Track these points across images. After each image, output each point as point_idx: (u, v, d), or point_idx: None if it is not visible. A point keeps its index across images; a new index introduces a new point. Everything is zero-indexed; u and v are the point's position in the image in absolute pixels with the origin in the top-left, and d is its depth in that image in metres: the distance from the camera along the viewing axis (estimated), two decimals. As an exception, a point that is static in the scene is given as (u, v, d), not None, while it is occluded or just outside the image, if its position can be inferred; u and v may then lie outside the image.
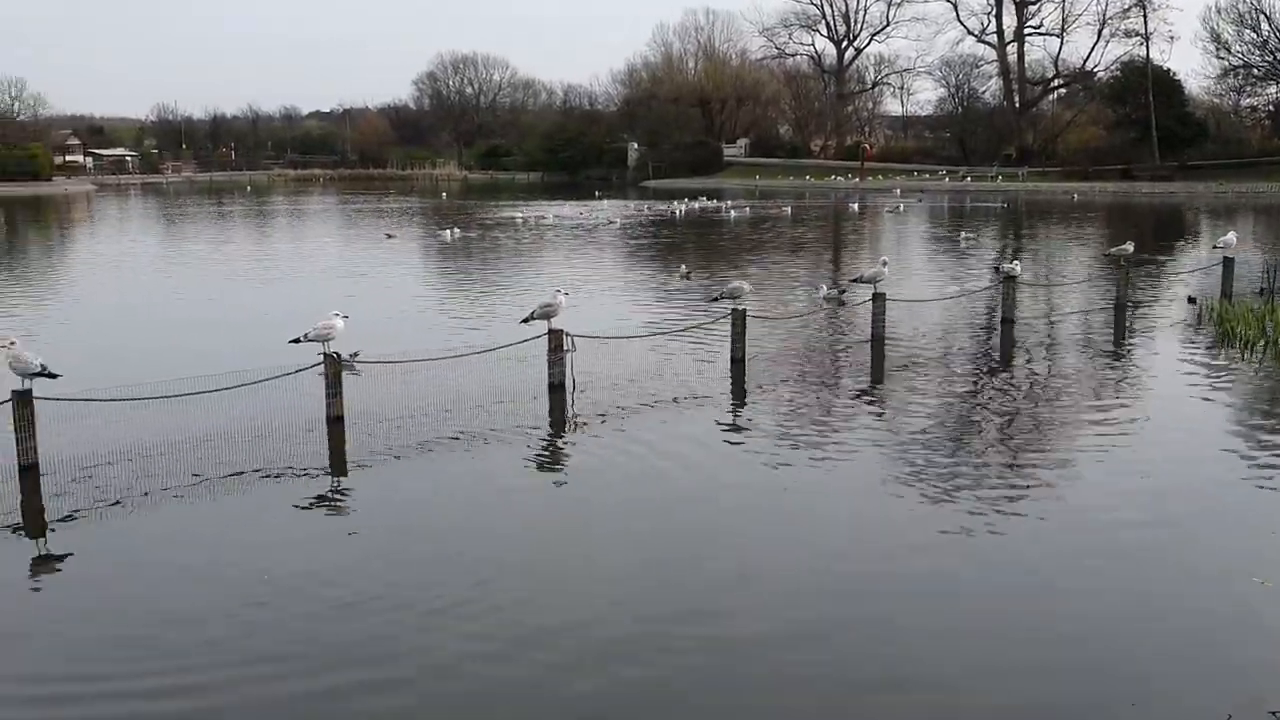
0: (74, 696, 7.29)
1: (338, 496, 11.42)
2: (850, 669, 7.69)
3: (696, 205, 69.18)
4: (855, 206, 66.60)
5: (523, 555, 9.76)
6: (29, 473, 11.42)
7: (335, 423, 13.48)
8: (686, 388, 15.87)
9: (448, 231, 45.32)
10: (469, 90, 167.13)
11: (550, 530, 10.42)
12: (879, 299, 19.13)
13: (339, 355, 13.92)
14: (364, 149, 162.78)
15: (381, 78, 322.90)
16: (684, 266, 31.37)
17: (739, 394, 15.81)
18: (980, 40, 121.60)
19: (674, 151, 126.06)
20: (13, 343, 12.01)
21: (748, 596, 8.82)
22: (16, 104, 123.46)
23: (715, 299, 19.97)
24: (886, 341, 18.98)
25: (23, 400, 11.37)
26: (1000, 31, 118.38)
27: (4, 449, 11.52)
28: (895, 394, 15.89)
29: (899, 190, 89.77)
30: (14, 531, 10.32)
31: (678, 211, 63.89)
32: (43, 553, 9.86)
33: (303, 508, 10.92)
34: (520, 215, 59.72)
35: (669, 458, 12.54)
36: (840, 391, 16.09)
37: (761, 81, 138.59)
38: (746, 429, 13.89)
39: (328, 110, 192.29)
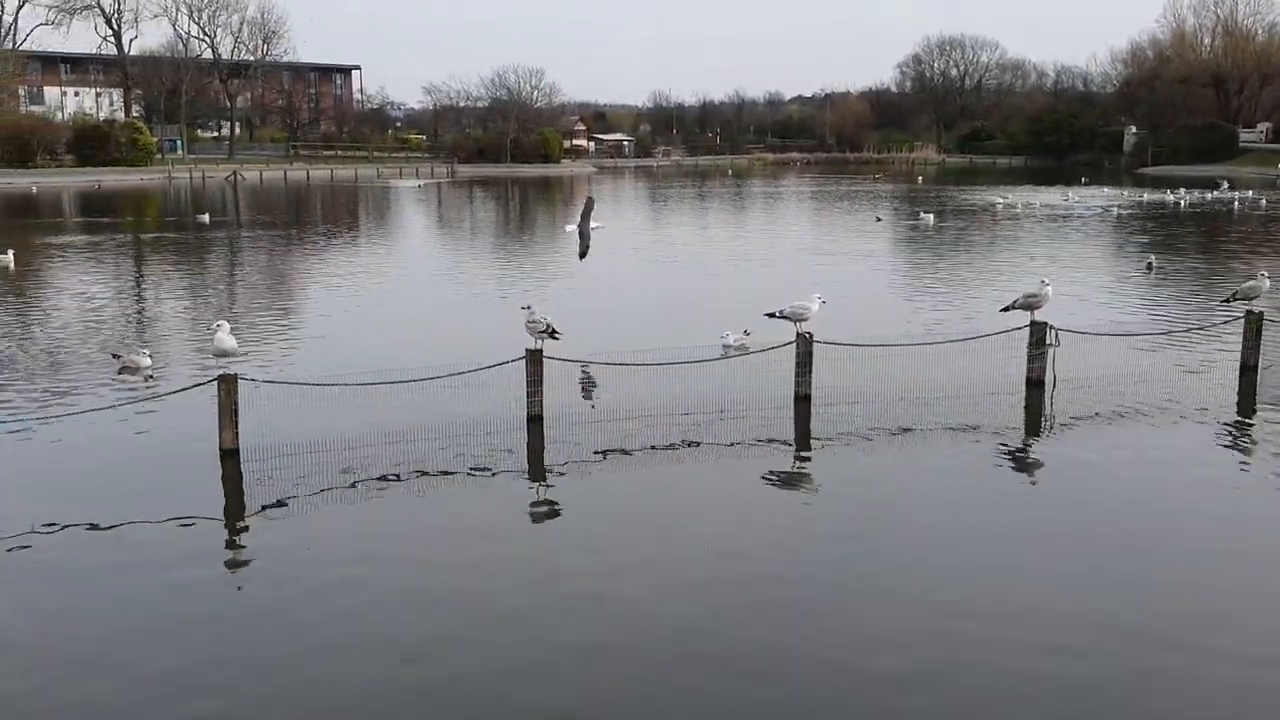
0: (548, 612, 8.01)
1: (801, 472, 11.60)
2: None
3: (1209, 195, 62.25)
4: None
5: (977, 554, 9.33)
6: (534, 424, 12.68)
7: (802, 401, 13.69)
8: (1181, 395, 14.37)
9: (930, 216, 44.95)
10: (953, 72, 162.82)
11: (1009, 535, 9.87)
12: None
13: (812, 335, 14.06)
14: (842, 132, 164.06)
15: (864, 62, 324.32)
16: (1152, 258, 28.88)
17: (1246, 407, 14.06)
18: None
19: (1178, 136, 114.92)
20: (529, 306, 13.43)
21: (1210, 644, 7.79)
22: (535, 92, 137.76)
23: (1229, 299, 17.87)
24: None
25: (534, 357, 12.66)
26: None
27: (519, 402, 12.86)
28: None
29: None
30: (519, 474, 11.53)
31: (1181, 201, 58.09)
32: (540, 497, 10.91)
33: (767, 481, 11.22)
34: (1000, 200, 57.34)
35: (1152, 470, 11.52)
36: (1378, 414, 13.79)
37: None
38: (1251, 449, 12.34)
39: (809, 95, 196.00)
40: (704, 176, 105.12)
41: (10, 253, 29.86)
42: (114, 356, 16.31)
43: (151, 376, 15.35)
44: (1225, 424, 13.26)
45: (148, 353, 16.12)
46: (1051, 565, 9.05)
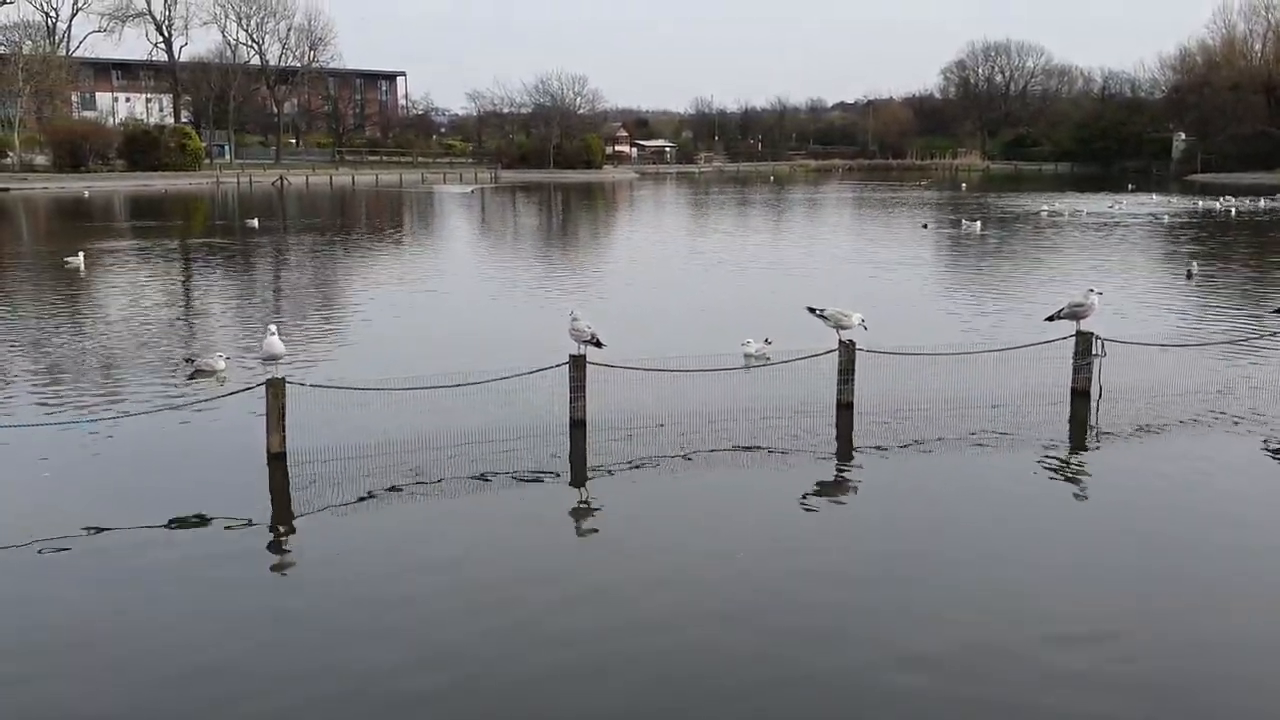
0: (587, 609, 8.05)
1: (842, 482, 11.58)
2: None
3: (1261, 203, 61.21)
4: None
5: (1019, 568, 9.26)
6: (577, 429, 12.75)
7: (845, 409, 13.65)
8: (1229, 406, 14.17)
9: (977, 224, 44.82)
10: (998, 78, 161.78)
11: (1052, 546, 9.78)
12: None
13: (854, 342, 14.01)
14: (884, 139, 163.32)
15: (907, 68, 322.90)
16: (1192, 265, 28.60)
17: (1298, 419, 13.86)
18: None
19: (1228, 143, 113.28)
20: (573, 313, 13.52)
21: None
22: (578, 99, 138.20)
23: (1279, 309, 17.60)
24: None
25: (577, 363, 12.74)
26: None
27: (561, 407, 12.93)
28: None
29: None
30: (561, 479, 11.61)
31: (1230, 209, 57.24)
32: (582, 502, 10.97)
33: (807, 491, 11.19)
34: (1045, 208, 56.83)
35: (1200, 482, 11.39)
36: None
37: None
38: (1306, 461, 12.17)
39: (852, 101, 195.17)
40: (745, 183, 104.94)
41: (80, 255, 30.66)
42: (187, 360, 16.47)
43: (226, 380, 15.32)
44: (1276, 435, 13.06)
45: (223, 356, 16.22)
46: (1096, 580, 8.97)
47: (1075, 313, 14.76)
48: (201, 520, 10.18)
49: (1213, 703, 7.13)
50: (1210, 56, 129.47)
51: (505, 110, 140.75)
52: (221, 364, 15.82)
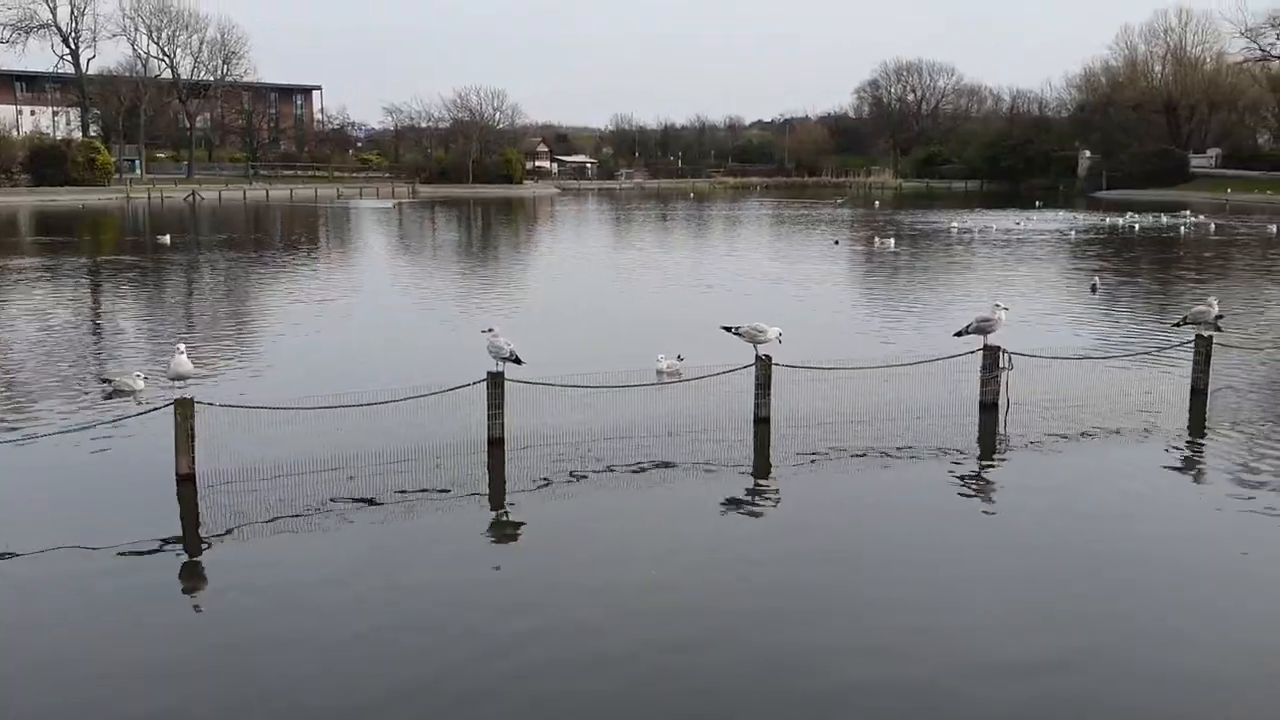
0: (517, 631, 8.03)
1: (758, 495, 11.71)
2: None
3: (1164, 219, 63.31)
4: None
5: (931, 577, 9.46)
6: (495, 447, 12.69)
7: (762, 423, 13.82)
8: (1130, 417, 14.62)
9: (890, 240, 45.67)
10: (910, 97, 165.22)
11: (964, 556, 10.02)
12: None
13: (770, 357, 14.18)
14: (800, 157, 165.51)
15: (823, 87, 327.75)
16: (1096, 280, 29.57)
17: (1197, 429, 14.34)
18: None
19: (1131, 161, 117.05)
20: (491, 329, 13.46)
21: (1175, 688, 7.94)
22: (498, 114, 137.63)
23: (1179, 323, 18.18)
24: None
25: (495, 380, 12.68)
26: None
27: (479, 424, 12.84)
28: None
29: None
30: (479, 498, 11.56)
31: (1134, 225, 59.13)
32: (501, 520, 10.93)
33: (723, 504, 11.31)
34: (955, 224, 58.09)
35: (1102, 493, 11.73)
36: (1322, 436, 14.11)
37: (1239, 87, 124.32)
38: (1200, 470, 12.63)
39: (769, 120, 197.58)
40: (666, 199, 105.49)
41: None
42: (104, 381, 16.00)
43: (145, 399, 14.84)
44: (1177, 446, 13.51)
45: (141, 375, 15.71)
46: (1003, 587, 9.19)
47: (982, 328, 15.12)
48: (106, 543, 9.91)
49: (1135, 704, 7.33)
50: (1113, 77, 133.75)
51: (423, 125, 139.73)
52: (140, 384, 15.42)
